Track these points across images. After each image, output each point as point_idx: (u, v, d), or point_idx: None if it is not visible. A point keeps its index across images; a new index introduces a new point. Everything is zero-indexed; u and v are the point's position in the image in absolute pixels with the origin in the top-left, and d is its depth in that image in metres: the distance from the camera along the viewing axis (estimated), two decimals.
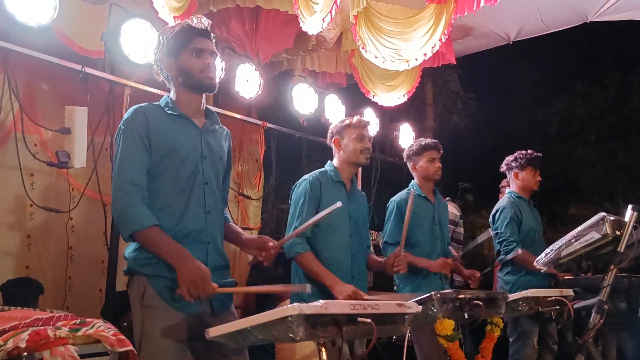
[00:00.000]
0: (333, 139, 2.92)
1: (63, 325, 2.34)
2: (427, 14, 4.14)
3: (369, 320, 1.58)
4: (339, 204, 2.21)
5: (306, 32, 4.01)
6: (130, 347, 2.38)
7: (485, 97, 10.36)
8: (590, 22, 4.76)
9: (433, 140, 3.54)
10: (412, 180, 3.53)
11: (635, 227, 2.85)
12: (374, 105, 5.42)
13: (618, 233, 2.84)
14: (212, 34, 2.11)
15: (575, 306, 2.88)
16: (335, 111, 5.32)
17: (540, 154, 3.95)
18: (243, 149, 5.50)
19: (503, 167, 4.04)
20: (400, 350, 2.52)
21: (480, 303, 2.32)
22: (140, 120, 1.99)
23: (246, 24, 4.59)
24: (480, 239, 5.68)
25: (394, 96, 5.19)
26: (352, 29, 4.30)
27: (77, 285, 4.15)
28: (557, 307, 2.83)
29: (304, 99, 5.08)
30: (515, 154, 3.95)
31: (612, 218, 2.87)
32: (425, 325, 2.37)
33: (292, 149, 5.58)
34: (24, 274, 3.80)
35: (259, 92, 4.61)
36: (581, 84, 10.10)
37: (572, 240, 2.95)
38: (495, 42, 5.33)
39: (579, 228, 2.96)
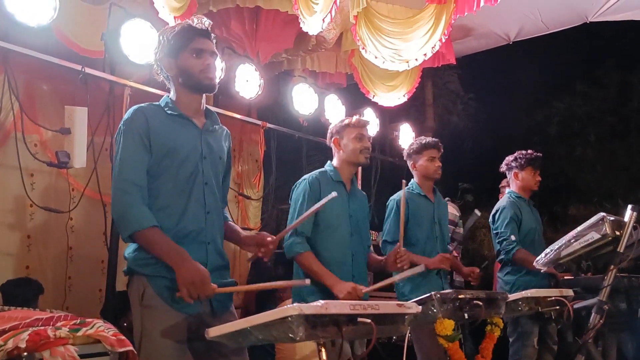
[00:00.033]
0: (332, 139, 2.92)
1: (63, 326, 2.33)
2: (427, 14, 4.14)
3: (368, 321, 1.58)
4: (334, 193, 2.23)
5: (306, 32, 4.01)
6: (130, 347, 2.38)
7: (485, 97, 10.37)
8: (590, 22, 4.75)
9: (434, 139, 3.54)
10: (412, 179, 3.53)
11: (635, 227, 2.85)
12: (374, 106, 5.42)
13: (618, 233, 2.84)
14: (212, 34, 2.11)
15: (575, 306, 2.87)
16: (335, 111, 5.32)
17: (540, 154, 3.95)
18: (243, 149, 5.50)
19: (503, 167, 4.04)
20: (400, 350, 2.53)
21: (480, 303, 2.32)
22: (141, 120, 1.99)
23: (246, 24, 4.59)
24: (470, 221, 5.65)
25: (394, 96, 5.19)
26: (352, 29, 4.30)
27: (77, 286, 4.15)
28: (557, 307, 2.83)
29: (304, 99, 5.08)
30: (515, 154, 3.95)
31: (612, 218, 2.87)
32: (425, 325, 2.37)
33: (292, 149, 5.57)
34: (24, 274, 3.80)
35: (259, 92, 4.61)
36: (581, 84, 10.11)
37: (572, 241, 2.95)
38: (495, 42, 5.33)
39: (579, 228, 2.96)
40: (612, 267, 2.87)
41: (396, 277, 2.66)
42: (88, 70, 3.59)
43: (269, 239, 2.10)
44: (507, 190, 4.10)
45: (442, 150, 3.50)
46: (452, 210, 5.12)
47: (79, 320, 2.41)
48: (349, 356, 2.53)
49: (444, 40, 4.11)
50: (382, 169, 5.94)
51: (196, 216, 2.01)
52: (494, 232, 3.89)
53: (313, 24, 3.81)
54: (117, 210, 1.91)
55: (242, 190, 5.37)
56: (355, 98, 5.71)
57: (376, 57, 4.30)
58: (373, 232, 4.00)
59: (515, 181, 3.95)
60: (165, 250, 1.88)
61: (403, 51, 4.25)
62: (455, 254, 5.06)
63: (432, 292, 2.25)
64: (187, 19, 2.09)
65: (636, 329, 3.21)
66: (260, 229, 5.63)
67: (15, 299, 3.08)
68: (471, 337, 3.38)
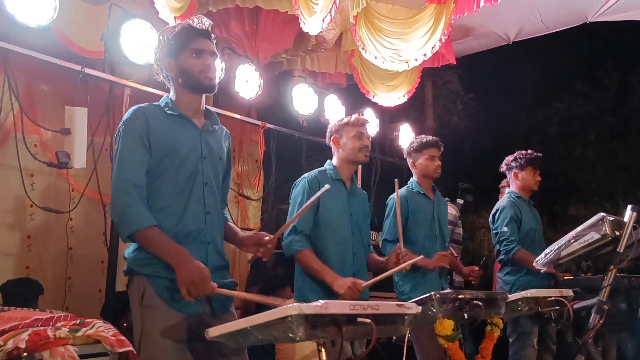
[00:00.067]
0: (332, 138, 2.92)
1: (63, 326, 2.34)
2: (427, 14, 4.14)
3: (368, 321, 1.58)
4: (327, 186, 2.23)
5: (306, 32, 4.01)
6: (130, 348, 2.38)
7: (485, 97, 10.37)
8: (590, 22, 4.75)
9: (434, 137, 3.54)
10: (411, 178, 3.53)
11: (634, 228, 2.85)
12: (374, 106, 5.42)
13: (617, 233, 2.84)
14: (212, 35, 2.11)
15: (575, 306, 2.87)
16: (335, 111, 5.32)
17: (540, 154, 3.95)
18: (243, 149, 5.51)
19: (503, 167, 4.04)
20: (400, 351, 2.53)
21: (480, 303, 2.32)
22: (140, 120, 1.99)
23: (246, 25, 4.59)
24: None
25: (394, 96, 5.19)
26: (352, 29, 4.30)
27: (77, 286, 4.15)
28: (557, 307, 2.83)
29: (303, 99, 5.08)
30: (515, 154, 3.95)
31: (612, 218, 2.88)
32: (425, 325, 2.36)
33: (292, 150, 5.57)
34: (24, 275, 3.80)
35: (259, 93, 4.60)
36: (581, 84, 10.11)
37: (572, 241, 2.95)
38: (495, 42, 5.33)
39: (579, 228, 2.96)
40: (611, 267, 2.88)
41: (396, 268, 2.65)
42: (88, 70, 3.59)
43: (266, 238, 2.11)
44: (507, 190, 4.10)
45: (443, 149, 3.50)
46: (451, 210, 5.12)
47: (78, 321, 2.42)
48: (349, 355, 2.53)
49: (443, 41, 4.11)
50: (382, 169, 5.94)
51: (196, 216, 2.01)
52: (494, 232, 3.89)
53: (313, 24, 3.81)
54: (116, 210, 1.91)
55: (241, 190, 5.37)
56: (355, 98, 5.71)
57: (376, 58, 4.30)
58: (373, 232, 4.00)
59: (515, 181, 3.95)
60: (166, 249, 1.88)
61: (403, 51, 4.25)
62: (456, 254, 5.06)
63: (432, 292, 2.25)
64: (187, 19, 2.09)
65: (636, 329, 3.21)
66: (260, 229, 5.63)
67: (15, 299, 3.08)
68: (471, 337, 3.38)
